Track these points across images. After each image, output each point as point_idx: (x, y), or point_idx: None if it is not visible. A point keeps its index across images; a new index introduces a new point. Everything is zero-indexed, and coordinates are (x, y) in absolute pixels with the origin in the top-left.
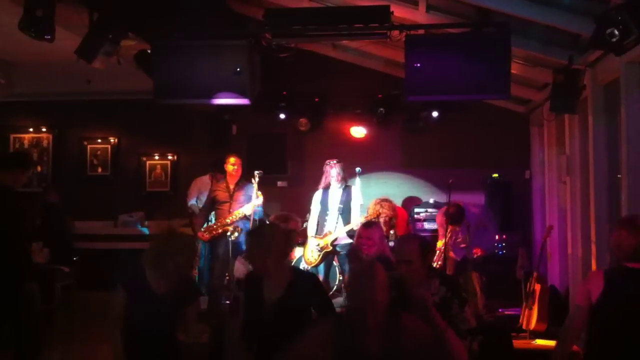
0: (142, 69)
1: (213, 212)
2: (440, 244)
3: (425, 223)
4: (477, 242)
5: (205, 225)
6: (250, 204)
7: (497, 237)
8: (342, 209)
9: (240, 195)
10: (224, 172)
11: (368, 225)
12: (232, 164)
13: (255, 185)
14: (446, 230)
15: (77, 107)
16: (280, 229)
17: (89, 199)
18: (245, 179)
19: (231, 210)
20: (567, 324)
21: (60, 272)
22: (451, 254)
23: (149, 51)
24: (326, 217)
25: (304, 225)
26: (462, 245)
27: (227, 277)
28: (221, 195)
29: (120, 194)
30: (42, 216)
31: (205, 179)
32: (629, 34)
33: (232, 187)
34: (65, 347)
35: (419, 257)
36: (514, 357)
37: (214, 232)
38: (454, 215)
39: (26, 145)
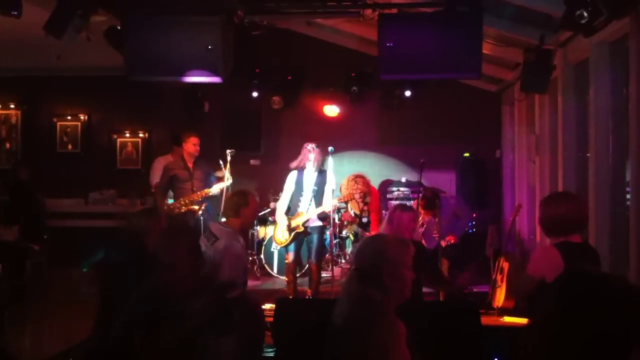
0: (112, 45)
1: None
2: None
3: (397, 202)
4: (450, 230)
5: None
6: (218, 185)
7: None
8: (316, 191)
9: (200, 174)
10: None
11: (407, 209)
12: (195, 144)
13: (227, 166)
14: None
15: (47, 83)
16: None
17: (59, 177)
18: (218, 157)
19: (194, 188)
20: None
21: (30, 250)
22: (424, 242)
23: (119, 27)
24: (300, 199)
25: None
26: (435, 235)
27: None
28: (181, 173)
29: (91, 171)
30: (12, 194)
31: (169, 158)
32: (598, 16)
33: (190, 165)
34: (36, 323)
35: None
36: (482, 333)
37: (177, 211)
38: (430, 200)
39: None
